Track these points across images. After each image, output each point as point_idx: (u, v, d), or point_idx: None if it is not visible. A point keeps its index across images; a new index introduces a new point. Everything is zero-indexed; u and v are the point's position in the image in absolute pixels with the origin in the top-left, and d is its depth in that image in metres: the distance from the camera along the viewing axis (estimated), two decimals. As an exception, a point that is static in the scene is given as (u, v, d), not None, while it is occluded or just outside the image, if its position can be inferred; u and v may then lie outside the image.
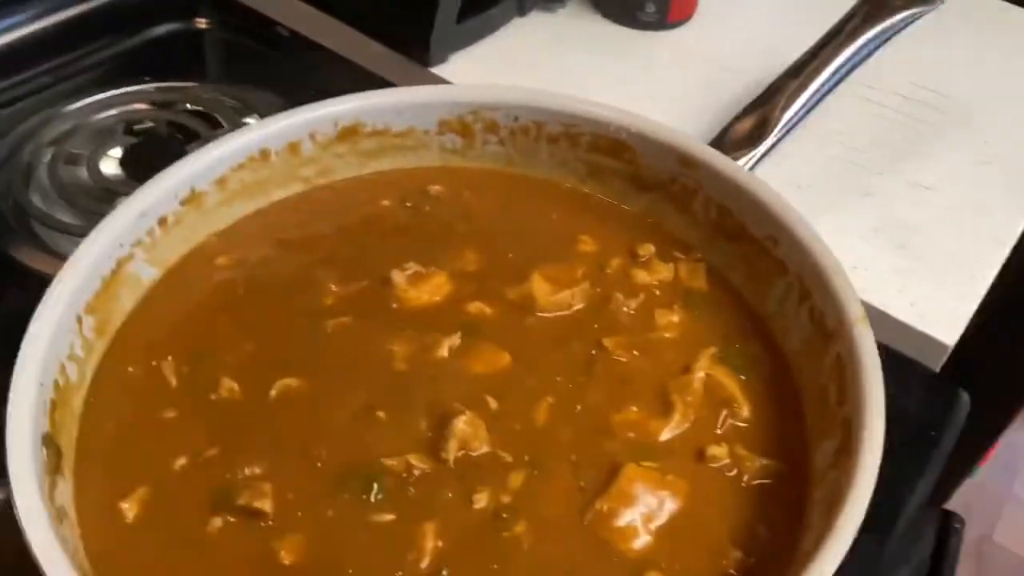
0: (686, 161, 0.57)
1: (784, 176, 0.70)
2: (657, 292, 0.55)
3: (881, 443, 0.41)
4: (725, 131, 0.60)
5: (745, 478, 0.46)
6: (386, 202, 0.60)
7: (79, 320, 0.48)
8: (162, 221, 0.54)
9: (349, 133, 0.60)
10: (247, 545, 0.43)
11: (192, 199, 0.55)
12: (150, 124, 0.73)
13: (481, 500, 0.44)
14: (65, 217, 0.64)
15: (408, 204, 0.60)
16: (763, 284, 0.55)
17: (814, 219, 0.64)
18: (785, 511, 0.44)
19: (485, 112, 0.61)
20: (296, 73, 0.79)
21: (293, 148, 0.59)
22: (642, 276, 0.56)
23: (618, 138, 0.59)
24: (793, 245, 0.52)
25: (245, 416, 0.48)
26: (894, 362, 0.59)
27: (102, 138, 0.70)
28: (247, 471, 0.45)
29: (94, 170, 0.67)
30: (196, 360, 0.50)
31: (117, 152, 0.70)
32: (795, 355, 0.52)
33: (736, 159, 0.58)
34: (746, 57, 0.79)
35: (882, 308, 0.62)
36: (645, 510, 0.44)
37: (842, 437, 0.44)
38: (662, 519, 0.44)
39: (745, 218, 0.55)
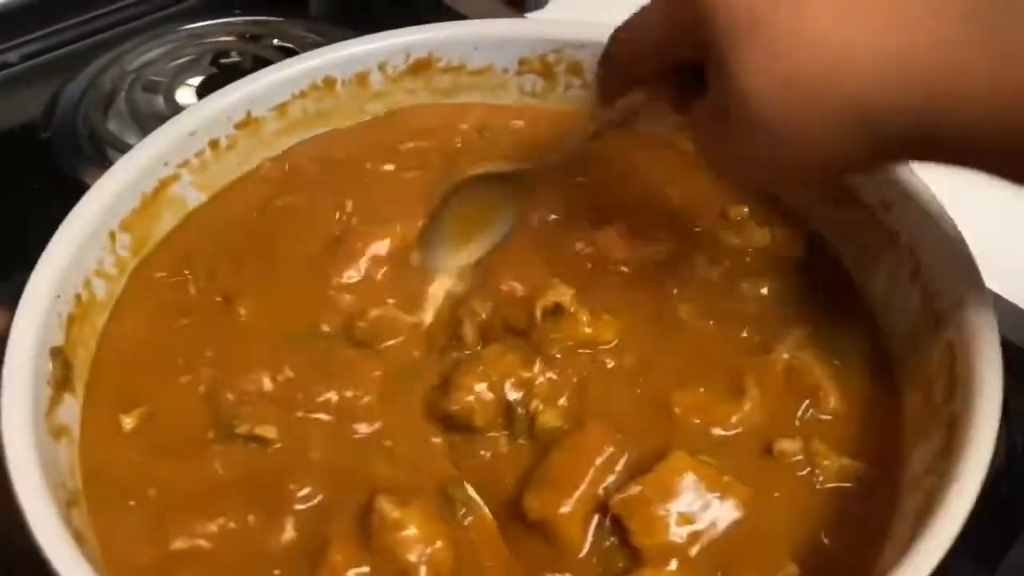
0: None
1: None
2: (747, 259, 0.48)
3: (991, 448, 0.34)
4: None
5: (819, 479, 0.39)
6: (464, 125, 0.55)
7: (112, 236, 0.46)
8: (214, 144, 0.51)
9: (421, 67, 0.56)
10: (244, 466, 0.40)
11: (248, 124, 0.52)
12: (236, 57, 0.71)
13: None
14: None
15: (487, 134, 0.55)
16: (870, 257, 0.47)
17: (948, 191, 0.55)
18: (861, 522, 0.37)
19: (570, 51, 0.55)
20: (394, 20, 0.75)
21: (361, 79, 0.55)
22: (731, 239, 0.49)
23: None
24: (909, 212, 0.44)
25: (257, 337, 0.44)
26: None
27: (186, 68, 0.69)
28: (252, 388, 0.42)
29: (170, 98, 0.66)
30: (221, 279, 0.47)
31: (197, 82, 0.68)
32: (900, 340, 0.44)
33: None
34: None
35: (1019, 304, 0.53)
36: (685, 509, 0.37)
37: (945, 438, 0.36)
38: (704, 523, 0.37)
39: (860, 183, 0.47)
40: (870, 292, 0.47)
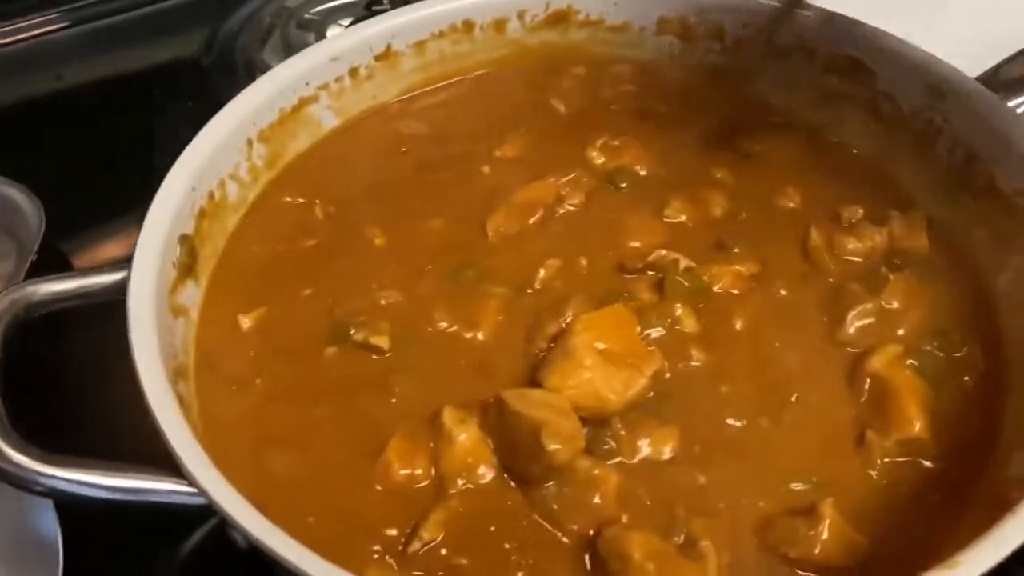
0: (937, 91, 0.48)
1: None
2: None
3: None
4: (998, 69, 0.49)
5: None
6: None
7: (249, 143, 0.49)
8: (353, 72, 0.53)
9: (559, 18, 0.56)
10: (352, 369, 0.42)
11: (387, 56, 0.54)
12: (387, 5, 0.74)
13: None
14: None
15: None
16: (1002, 251, 0.44)
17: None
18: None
19: (714, 14, 0.54)
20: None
21: (499, 25, 0.56)
22: (849, 243, 0.47)
23: (859, 57, 0.51)
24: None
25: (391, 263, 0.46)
26: None
27: (340, 9, 0.72)
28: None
29: (321, 35, 0.69)
30: (356, 209, 0.49)
31: (347, 22, 0.71)
32: (1020, 351, 0.41)
33: (1005, 100, 0.47)
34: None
35: None
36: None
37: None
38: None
39: (998, 167, 0.45)
40: (997, 293, 0.44)
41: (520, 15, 0.56)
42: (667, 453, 0.38)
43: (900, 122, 0.50)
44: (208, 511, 0.32)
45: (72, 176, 0.61)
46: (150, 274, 0.39)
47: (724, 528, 0.36)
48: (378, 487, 0.37)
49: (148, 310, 0.38)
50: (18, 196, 0.54)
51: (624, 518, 0.36)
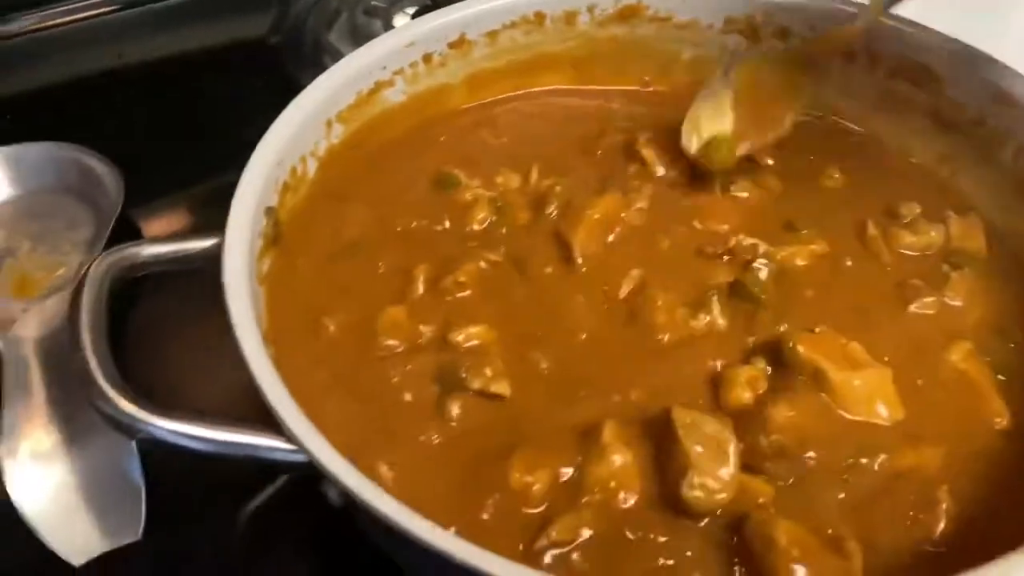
0: (1003, 97, 0.49)
1: None
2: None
3: None
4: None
5: None
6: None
7: (328, 123, 0.50)
8: (427, 57, 0.55)
9: (629, 13, 0.57)
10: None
11: (460, 44, 0.55)
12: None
13: None
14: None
15: None
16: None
17: None
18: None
19: (781, 15, 0.56)
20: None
21: (569, 17, 0.57)
22: (905, 238, 0.48)
23: (927, 63, 0.52)
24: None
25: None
26: None
27: (405, -2, 0.74)
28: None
29: (387, 22, 0.70)
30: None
31: (412, 11, 0.73)
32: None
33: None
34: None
35: None
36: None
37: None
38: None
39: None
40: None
41: (590, 8, 0.57)
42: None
43: (964, 128, 0.51)
44: (286, 469, 0.34)
45: (146, 146, 0.63)
46: (242, 240, 0.41)
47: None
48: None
49: (241, 274, 0.39)
50: (99, 166, 0.56)
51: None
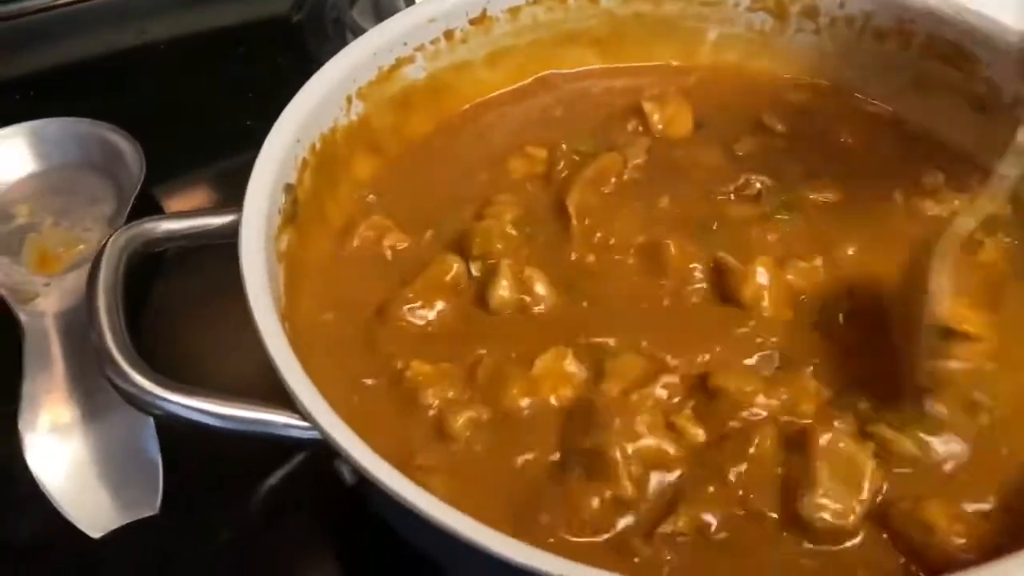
0: (1040, 77, 0.47)
1: None
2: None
3: None
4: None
5: None
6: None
7: (348, 100, 0.50)
8: (448, 34, 0.54)
9: (658, -8, 0.56)
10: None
11: (482, 20, 0.55)
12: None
13: None
14: (375, 35, 0.67)
15: None
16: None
17: None
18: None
19: (808, -9, 0.54)
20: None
21: (594, -3, 0.56)
22: (931, 208, 0.48)
23: (960, 43, 0.50)
24: None
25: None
26: None
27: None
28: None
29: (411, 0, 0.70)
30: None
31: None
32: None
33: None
34: None
35: None
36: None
37: None
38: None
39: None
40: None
41: (626, -16, 0.56)
42: None
43: (1002, 108, 0.50)
44: (301, 446, 0.34)
45: (167, 123, 0.63)
46: (260, 217, 0.41)
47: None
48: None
49: (258, 251, 0.39)
50: (121, 142, 0.56)
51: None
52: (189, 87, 0.67)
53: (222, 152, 0.63)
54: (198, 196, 0.63)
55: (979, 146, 0.51)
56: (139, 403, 0.34)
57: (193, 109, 0.65)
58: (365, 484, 0.32)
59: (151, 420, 0.43)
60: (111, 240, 0.38)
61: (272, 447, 0.37)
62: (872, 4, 0.53)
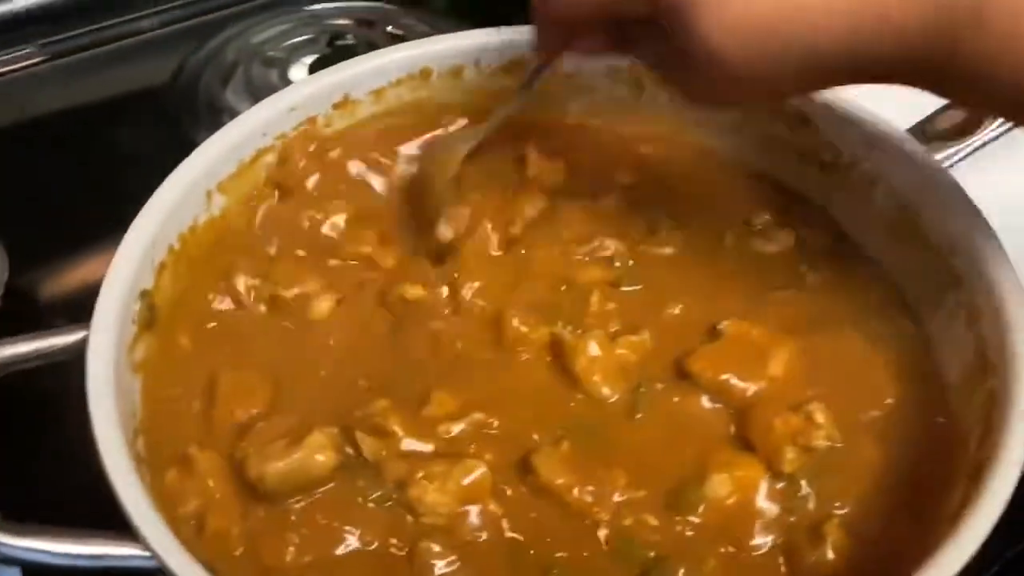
0: (872, 142, 0.50)
1: (1004, 193, 0.59)
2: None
3: (1005, 497, 0.33)
4: (928, 120, 0.51)
5: None
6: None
7: (208, 195, 0.50)
8: (311, 121, 0.55)
9: (516, 66, 0.58)
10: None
11: (345, 104, 0.55)
12: (351, 40, 0.75)
13: None
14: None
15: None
16: (934, 295, 0.47)
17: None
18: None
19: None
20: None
21: (456, 72, 0.57)
22: (763, 247, 0.51)
23: (801, 109, 0.53)
24: (973, 260, 0.44)
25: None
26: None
27: (302, 47, 0.74)
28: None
29: (283, 74, 0.70)
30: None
31: (310, 60, 0.72)
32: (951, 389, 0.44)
33: (933, 152, 0.49)
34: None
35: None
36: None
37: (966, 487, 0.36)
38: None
39: (926, 218, 0.47)
40: (931, 334, 0.46)
41: (477, 62, 0.57)
42: None
43: (839, 169, 0.52)
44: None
45: (37, 207, 0.62)
46: (110, 333, 0.41)
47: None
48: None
49: (107, 371, 0.39)
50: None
51: None
52: (62, 167, 0.66)
53: (98, 232, 0.61)
54: (73, 278, 0.62)
55: (820, 194, 0.53)
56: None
57: (66, 189, 0.64)
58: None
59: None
60: (-52, 370, 0.37)
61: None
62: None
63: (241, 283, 0.48)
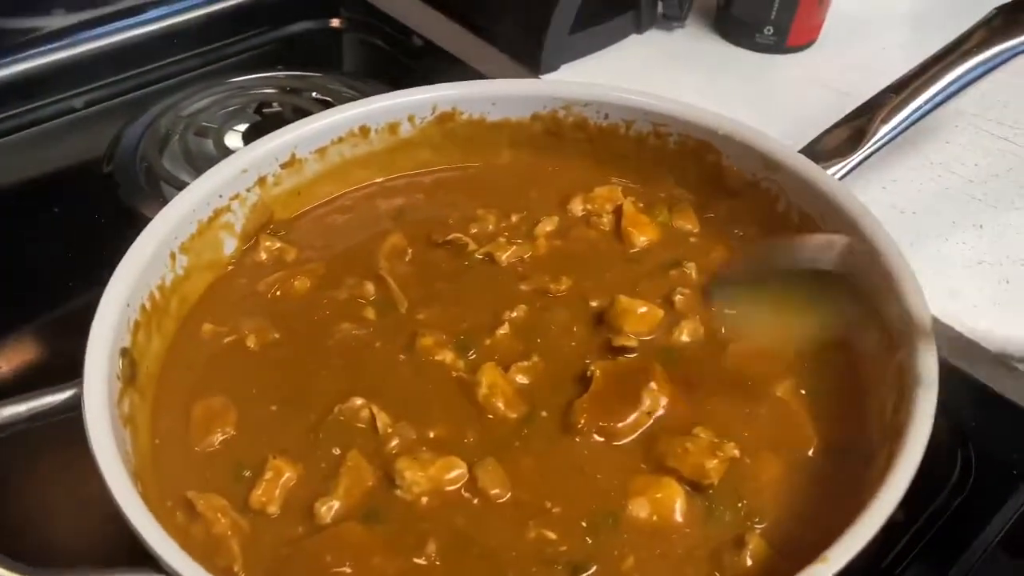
0: (770, 164, 0.57)
1: (890, 201, 0.68)
2: None
3: (916, 460, 0.40)
4: (818, 140, 0.59)
5: None
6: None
7: (172, 256, 0.53)
8: (262, 180, 0.58)
9: (446, 118, 0.63)
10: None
11: (291, 163, 0.59)
12: (277, 107, 0.79)
13: None
14: (190, 180, 0.70)
15: None
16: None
17: (917, 244, 0.62)
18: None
19: (577, 108, 0.62)
20: (420, 76, 0.83)
21: (392, 128, 0.62)
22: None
23: (705, 139, 0.59)
24: (868, 251, 0.50)
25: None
26: (986, 399, 0.56)
27: (233, 116, 0.77)
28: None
29: (219, 142, 0.73)
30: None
31: (243, 128, 0.76)
32: (866, 361, 0.50)
33: (827, 168, 0.56)
34: (864, 83, 0.77)
35: (976, 339, 0.58)
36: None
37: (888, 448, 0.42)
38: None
39: (826, 226, 0.54)
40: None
41: (411, 118, 0.62)
42: None
43: (744, 188, 0.59)
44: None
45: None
46: (101, 386, 0.43)
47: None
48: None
49: (104, 420, 0.41)
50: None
51: None
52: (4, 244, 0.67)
53: (47, 315, 0.63)
54: (27, 363, 0.62)
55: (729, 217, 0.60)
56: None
57: (10, 270, 0.65)
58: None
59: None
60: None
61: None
62: (631, 114, 0.61)
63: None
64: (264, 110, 0.79)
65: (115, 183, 0.71)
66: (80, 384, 0.42)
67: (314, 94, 0.80)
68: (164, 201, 0.69)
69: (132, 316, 0.48)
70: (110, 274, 0.48)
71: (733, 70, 0.82)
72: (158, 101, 0.77)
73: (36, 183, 0.73)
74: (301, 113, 0.78)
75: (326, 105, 0.78)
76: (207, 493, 0.44)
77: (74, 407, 0.42)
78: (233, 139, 0.74)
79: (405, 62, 0.88)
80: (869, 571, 0.49)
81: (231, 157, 0.57)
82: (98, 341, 0.45)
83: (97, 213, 0.69)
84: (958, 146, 0.73)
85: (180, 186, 0.70)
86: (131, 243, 0.50)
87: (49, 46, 0.78)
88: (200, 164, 0.72)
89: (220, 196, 0.56)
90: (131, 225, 0.66)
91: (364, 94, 0.78)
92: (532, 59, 0.80)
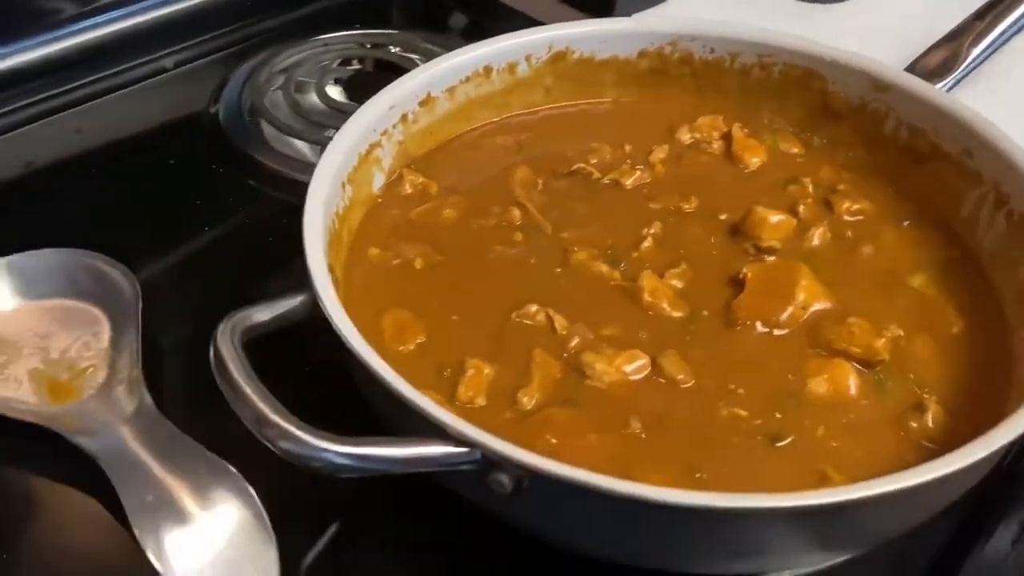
0: (880, 85, 0.61)
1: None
2: None
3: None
4: (913, 65, 0.64)
5: None
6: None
7: (343, 186, 0.55)
8: (404, 117, 0.61)
9: (558, 58, 0.66)
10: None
11: (427, 102, 0.62)
12: (358, 64, 0.81)
13: None
14: (298, 125, 0.73)
15: None
16: (953, 199, 0.58)
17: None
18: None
19: (684, 43, 0.66)
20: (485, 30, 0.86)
21: (511, 67, 0.65)
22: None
23: (810, 67, 0.64)
24: (991, 154, 0.56)
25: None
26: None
27: (326, 71, 0.79)
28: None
29: (322, 93, 0.75)
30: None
31: (338, 82, 0.78)
32: (988, 257, 0.55)
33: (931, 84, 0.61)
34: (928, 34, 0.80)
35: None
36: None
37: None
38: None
39: (939, 136, 0.59)
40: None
41: (527, 58, 0.66)
42: None
43: (851, 112, 0.63)
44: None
45: (128, 239, 0.64)
46: (329, 291, 0.46)
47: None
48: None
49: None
50: (107, 268, 0.57)
51: None
52: (128, 193, 0.69)
53: (169, 250, 0.65)
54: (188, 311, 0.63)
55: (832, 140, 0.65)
56: (304, 459, 0.37)
57: (147, 220, 0.67)
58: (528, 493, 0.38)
59: (258, 504, 0.45)
60: (219, 333, 0.41)
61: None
62: (738, 46, 0.66)
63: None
64: (348, 66, 0.81)
65: (222, 131, 0.73)
66: (309, 290, 0.45)
67: (394, 48, 0.82)
68: (272, 147, 0.72)
69: (325, 238, 0.51)
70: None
71: (795, 17, 0.85)
72: (246, 59, 0.79)
73: (144, 137, 0.74)
74: (385, 67, 0.81)
75: (408, 60, 0.81)
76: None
77: (305, 312, 0.45)
78: (334, 92, 0.77)
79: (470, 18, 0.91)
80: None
81: (377, 95, 0.60)
82: (313, 254, 0.47)
83: (213, 162, 0.71)
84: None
85: (289, 132, 0.72)
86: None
87: (137, 6, 0.79)
88: (310, 116, 0.74)
89: (374, 131, 0.59)
90: (243, 169, 0.70)
91: (447, 49, 0.81)
92: (604, 8, 0.83)
